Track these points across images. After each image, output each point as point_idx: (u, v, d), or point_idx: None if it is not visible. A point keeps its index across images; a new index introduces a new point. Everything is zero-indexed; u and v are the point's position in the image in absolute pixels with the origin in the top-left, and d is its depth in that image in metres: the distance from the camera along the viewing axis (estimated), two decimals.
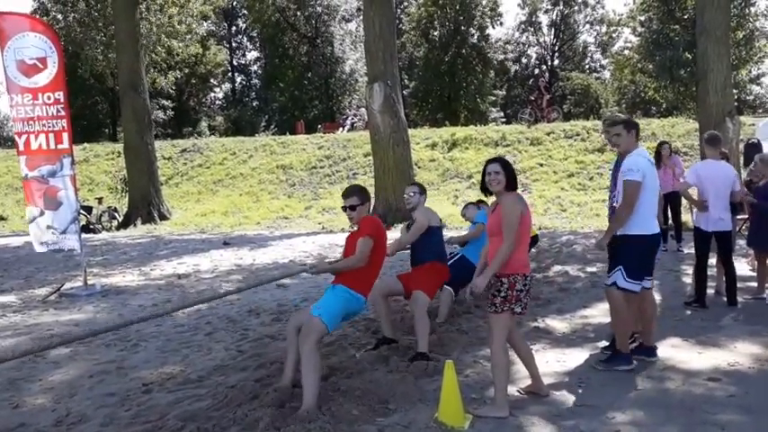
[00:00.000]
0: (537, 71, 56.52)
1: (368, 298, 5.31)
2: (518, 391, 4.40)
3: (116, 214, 20.19)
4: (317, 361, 4.19)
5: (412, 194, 5.90)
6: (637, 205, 4.78)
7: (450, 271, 6.07)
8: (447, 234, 7.53)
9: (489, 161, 4.26)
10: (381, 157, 16.89)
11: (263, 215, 19.55)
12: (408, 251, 5.89)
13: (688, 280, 7.94)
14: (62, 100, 9.04)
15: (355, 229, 4.93)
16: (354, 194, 4.89)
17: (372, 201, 4.99)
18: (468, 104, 46.49)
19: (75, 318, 7.22)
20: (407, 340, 5.61)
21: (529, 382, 4.44)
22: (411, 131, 19.96)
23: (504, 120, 44.88)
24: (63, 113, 9.05)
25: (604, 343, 5.44)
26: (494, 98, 50.99)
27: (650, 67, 28.08)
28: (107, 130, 45.11)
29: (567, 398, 4.31)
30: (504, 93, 54.83)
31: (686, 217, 12.45)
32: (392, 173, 16.67)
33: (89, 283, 9.05)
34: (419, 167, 20.93)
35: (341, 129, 31.37)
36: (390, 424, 3.91)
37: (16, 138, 9.23)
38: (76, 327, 6.91)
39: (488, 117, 45.13)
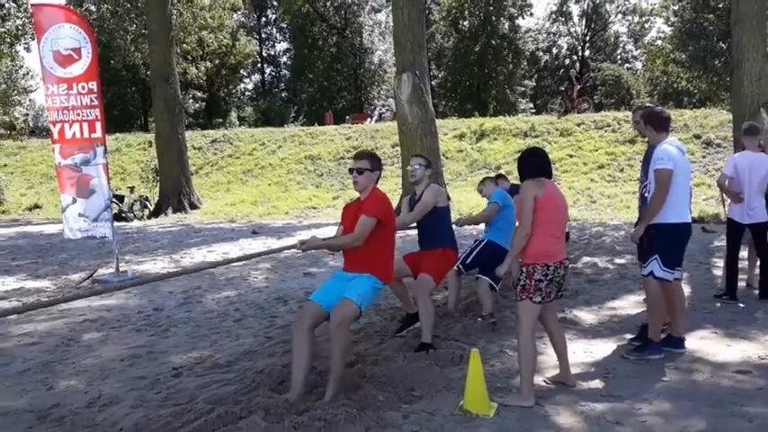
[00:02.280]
0: (567, 61, 55.89)
1: (392, 285, 5.34)
2: (544, 381, 4.39)
3: (147, 203, 20.48)
4: (347, 342, 4.17)
5: (417, 167, 5.62)
6: (669, 194, 4.74)
7: (482, 259, 6.00)
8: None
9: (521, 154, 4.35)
10: (409, 147, 16.84)
11: (291, 205, 19.68)
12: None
13: (719, 272, 7.82)
14: (95, 90, 9.18)
15: (359, 197, 4.60)
16: (365, 158, 4.55)
17: (379, 176, 4.56)
18: (498, 95, 46.20)
19: (106, 303, 7.37)
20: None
21: (555, 372, 4.43)
22: (439, 122, 19.89)
23: (533, 111, 44.51)
24: (96, 103, 9.20)
25: (631, 335, 5.40)
26: (523, 89, 50.58)
27: (683, 57, 27.54)
28: (139, 121, 45.74)
29: (594, 388, 4.29)
30: (534, 83, 54.34)
31: (719, 209, 12.26)
32: None
33: (121, 269, 9.21)
34: (447, 158, 20.87)
35: (369, 119, 31.39)
36: (416, 410, 3.94)
37: (51, 126, 9.42)
38: (108, 312, 7.05)
39: (518, 108, 44.79)
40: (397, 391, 4.21)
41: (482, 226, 6.86)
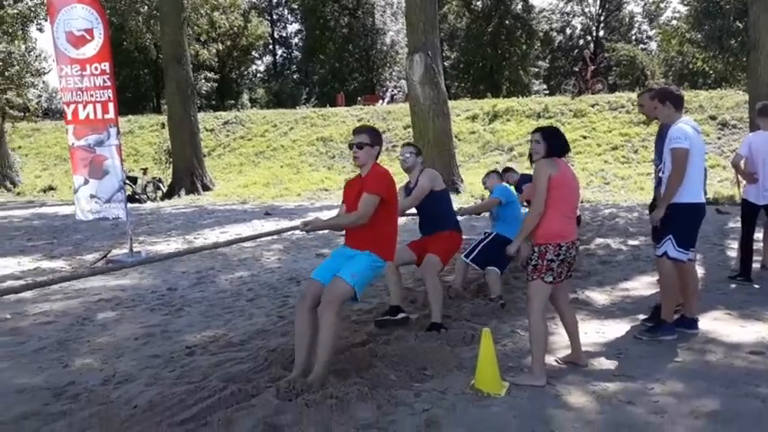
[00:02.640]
0: (582, 42, 55.25)
1: (387, 272, 5.27)
2: (556, 360, 4.39)
3: (160, 185, 20.56)
4: (336, 324, 4.04)
5: (408, 155, 5.61)
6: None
7: (490, 251, 5.97)
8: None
9: (533, 130, 4.26)
10: (421, 129, 16.80)
11: (303, 187, 19.70)
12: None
13: (733, 254, 7.77)
14: (108, 71, 9.19)
15: (359, 173, 4.50)
16: (365, 132, 4.43)
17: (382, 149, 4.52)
18: (511, 76, 45.80)
19: (121, 283, 7.43)
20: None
21: (567, 352, 4.43)
22: (451, 103, 19.80)
23: (547, 92, 44.18)
24: (109, 84, 9.21)
25: (644, 316, 5.38)
26: (537, 70, 50.13)
27: (699, 36, 27.16)
28: (151, 103, 45.78)
29: (606, 368, 4.29)
30: (548, 64, 53.84)
31: (734, 190, 12.14)
32: (432, 145, 16.57)
33: (135, 250, 9.28)
34: (459, 140, 20.78)
35: (381, 101, 31.26)
36: (427, 389, 3.95)
37: (65, 107, 9.46)
38: (123, 292, 7.12)
39: (531, 89, 44.43)
40: (409, 370, 4.23)
41: (485, 218, 6.87)
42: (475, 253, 6.07)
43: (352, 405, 3.69)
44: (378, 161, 4.49)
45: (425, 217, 5.61)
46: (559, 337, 4.74)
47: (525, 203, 7.25)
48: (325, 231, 7.87)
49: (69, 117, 9.37)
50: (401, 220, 5.73)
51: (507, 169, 7.89)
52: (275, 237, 10.82)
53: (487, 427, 3.45)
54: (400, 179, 5.65)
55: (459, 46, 47.84)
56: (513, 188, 7.07)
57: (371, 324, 5.38)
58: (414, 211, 5.68)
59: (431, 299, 5.14)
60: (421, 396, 3.86)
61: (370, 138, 4.39)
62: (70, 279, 5.61)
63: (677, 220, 4.75)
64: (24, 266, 8.88)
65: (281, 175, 21.39)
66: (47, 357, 5.01)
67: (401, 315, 5.36)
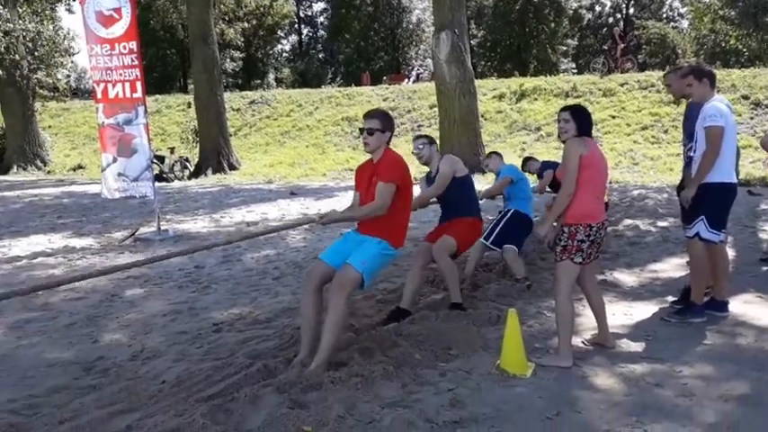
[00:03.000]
0: (611, 20, 54.26)
1: (413, 266, 5.21)
2: (583, 342, 4.36)
3: (188, 164, 20.72)
4: (344, 315, 3.96)
5: (421, 147, 5.44)
6: None
7: (509, 230, 5.92)
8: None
9: (561, 109, 4.19)
10: (447, 108, 16.67)
11: (328, 166, 19.71)
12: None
13: (764, 236, 7.63)
14: (135, 50, 9.23)
15: (371, 158, 4.39)
16: (376, 117, 4.28)
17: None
18: (539, 54, 45.21)
19: None
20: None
21: (594, 333, 4.39)
22: (478, 82, 19.58)
23: (575, 70, 43.52)
24: (136, 63, 9.26)
25: (673, 298, 5.31)
26: (565, 48, 49.39)
27: (732, 14, 26.50)
28: (178, 82, 46.06)
29: (633, 350, 4.25)
30: (577, 42, 53.02)
31: (766, 171, 11.91)
32: (458, 125, 16.45)
33: (162, 228, 9.39)
34: (485, 119, 20.60)
35: (406, 80, 31.11)
36: (452, 369, 3.95)
37: (95, 86, 9.54)
38: (150, 269, 7.19)
39: (559, 68, 43.81)
40: (434, 350, 4.23)
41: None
42: (495, 234, 5.96)
43: (376, 383, 3.71)
44: (391, 145, 4.41)
45: (448, 204, 5.42)
46: (586, 319, 4.69)
47: (548, 189, 7.19)
48: None
49: (99, 96, 9.45)
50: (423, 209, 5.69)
51: (528, 159, 7.81)
52: (300, 216, 10.86)
53: (513, 408, 3.44)
54: (417, 167, 5.57)
55: (487, 24, 47.30)
56: (533, 176, 7.07)
57: (394, 304, 5.37)
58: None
59: (446, 279, 5.06)
60: (446, 375, 3.85)
61: (381, 123, 4.26)
62: (111, 272, 5.65)
63: (709, 201, 4.65)
64: (55, 244, 9.02)
65: (306, 155, 21.42)
66: (77, 333, 5.10)
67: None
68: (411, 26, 49.30)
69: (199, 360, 4.36)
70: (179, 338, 4.87)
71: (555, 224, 4.14)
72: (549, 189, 7.24)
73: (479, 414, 3.36)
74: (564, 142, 4.12)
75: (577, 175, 3.95)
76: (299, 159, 21.06)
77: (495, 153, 6.98)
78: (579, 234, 3.96)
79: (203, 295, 6.12)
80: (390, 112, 23.23)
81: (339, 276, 4.01)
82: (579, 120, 4.05)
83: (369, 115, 4.33)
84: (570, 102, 20.29)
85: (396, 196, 4.15)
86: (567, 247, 3.98)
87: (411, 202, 4.44)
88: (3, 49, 23.18)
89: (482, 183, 11.70)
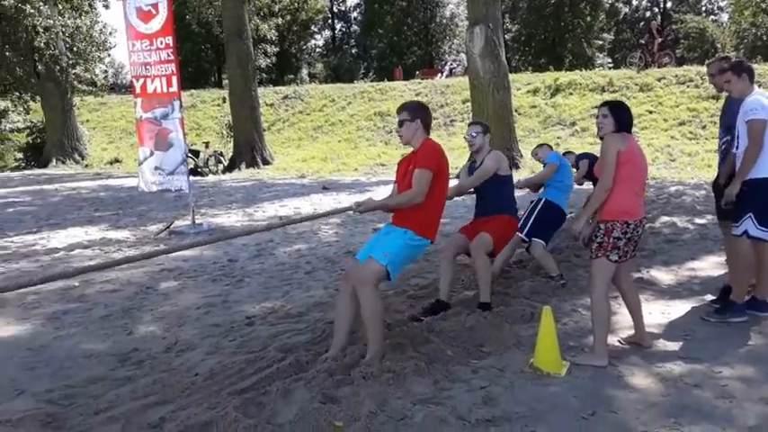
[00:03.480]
0: (648, 13, 53.29)
1: (440, 257, 5.16)
2: (618, 341, 4.28)
3: (222, 158, 20.91)
4: (379, 305, 3.95)
5: (474, 135, 5.30)
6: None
7: (541, 221, 5.81)
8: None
9: (600, 104, 4.12)
10: (480, 102, 16.52)
11: (360, 162, 19.72)
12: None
13: None
14: (171, 44, 9.34)
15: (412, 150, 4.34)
16: (405, 109, 4.30)
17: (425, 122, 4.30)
18: (574, 49, 44.58)
19: (183, 254, 7.58)
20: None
21: (630, 332, 4.31)
22: (512, 76, 19.38)
23: (611, 65, 42.86)
24: (172, 58, 9.36)
25: (711, 297, 5.18)
26: (601, 42, 48.66)
27: None
28: (213, 77, 46.53)
29: (671, 350, 4.15)
30: (613, 36, 52.19)
31: None
32: (491, 119, 16.27)
33: (197, 222, 9.49)
34: (519, 114, 20.40)
35: (439, 75, 30.95)
36: (485, 366, 3.91)
37: (134, 81, 9.69)
38: (185, 262, 7.28)
39: (595, 62, 43.20)
40: (466, 347, 4.19)
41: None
42: (528, 225, 5.84)
43: (408, 379, 3.69)
44: (429, 135, 4.36)
45: (485, 199, 5.33)
46: (622, 317, 4.61)
47: (584, 179, 7.07)
48: None
49: (138, 90, 9.58)
50: (456, 199, 5.63)
51: (566, 153, 7.70)
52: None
53: (547, 407, 3.39)
54: (458, 155, 5.51)
55: (521, 18, 46.85)
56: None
57: (428, 299, 5.34)
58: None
59: (479, 278, 4.96)
60: (478, 373, 3.81)
61: (409, 113, 4.26)
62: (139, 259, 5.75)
63: (755, 197, 4.50)
64: (91, 236, 9.18)
65: (338, 150, 21.46)
66: (112, 324, 5.17)
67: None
68: (444, 20, 49.07)
69: (231, 353, 4.38)
70: (212, 331, 4.91)
71: (590, 220, 4.06)
72: (581, 182, 7.14)
73: (512, 413, 3.32)
74: (602, 138, 4.05)
75: (615, 172, 3.87)
76: (332, 154, 21.10)
77: (545, 144, 6.90)
78: (616, 231, 3.88)
79: (236, 288, 6.16)
80: None
81: (360, 271, 3.98)
82: (618, 115, 3.98)
83: (398, 109, 4.38)
84: (606, 97, 19.99)
85: (432, 184, 4.09)
86: (603, 244, 3.91)
87: (446, 192, 4.36)
88: (43, 44, 23.67)
89: (515, 177, 11.56)
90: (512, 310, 4.84)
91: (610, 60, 48.70)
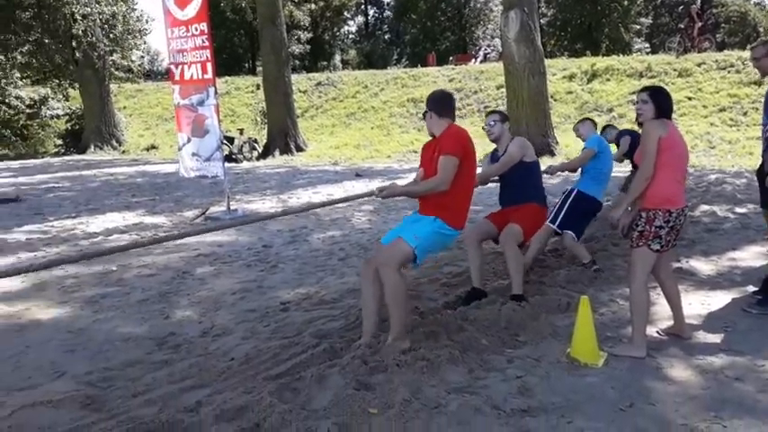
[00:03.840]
0: None
1: (465, 242, 5.10)
2: (657, 332, 4.20)
3: (256, 145, 21.07)
4: (403, 285, 3.84)
5: (492, 123, 5.19)
6: None
7: (574, 214, 5.66)
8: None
9: (640, 90, 4.02)
10: (515, 88, 16.35)
11: (393, 148, 19.69)
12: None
13: None
14: (206, 31, 9.39)
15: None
16: (427, 101, 4.28)
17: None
18: (611, 34, 43.70)
19: (218, 239, 7.67)
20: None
21: (669, 323, 4.23)
22: (547, 62, 19.12)
23: (649, 50, 41.99)
24: (207, 44, 9.41)
25: (753, 288, 5.05)
26: (638, 27, 47.63)
27: None
28: (247, 64, 46.79)
29: (711, 342, 4.06)
30: (651, 21, 51.01)
31: None
32: (526, 105, 16.12)
33: (232, 208, 9.57)
34: (555, 100, 20.14)
35: (473, 60, 30.66)
36: (520, 356, 3.87)
37: (173, 68, 9.79)
38: (220, 248, 7.35)
39: (632, 47, 42.33)
40: (501, 336, 4.15)
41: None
42: (561, 217, 5.69)
43: (442, 367, 3.67)
44: (453, 120, 4.29)
45: (511, 188, 5.20)
46: (661, 308, 4.52)
47: (624, 157, 6.94)
48: None
49: (177, 77, 9.67)
50: (490, 186, 5.55)
51: (607, 126, 7.55)
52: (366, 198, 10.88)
53: (583, 398, 3.34)
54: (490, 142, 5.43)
55: (557, 2, 46.03)
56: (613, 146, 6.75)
57: (461, 287, 5.31)
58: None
59: (511, 270, 4.85)
60: (513, 362, 3.78)
61: (430, 105, 4.23)
62: (175, 238, 5.80)
63: None
64: (129, 221, 9.33)
65: (371, 137, 21.45)
66: (149, 308, 5.25)
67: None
68: (479, 5, 48.54)
69: (266, 338, 4.41)
70: (247, 316, 4.95)
71: (629, 208, 3.98)
72: (622, 161, 7.00)
73: (548, 403, 3.28)
74: (641, 124, 3.95)
75: (656, 159, 3.78)
76: (364, 141, 21.11)
77: (588, 119, 6.60)
78: (658, 219, 3.80)
79: (271, 274, 6.20)
80: (456, 92, 23.05)
81: (386, 249, 3.94)
82: (658, 101, 3.87)
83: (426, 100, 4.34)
84: (644, 83, 19.60)
85: (458, 171, 3.99)
86: (644, 233, 3.82)
87: (474, 179, 4.25)
88: (81, 32, 24.04)
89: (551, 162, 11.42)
90: (547, 300, 4.79)
91: (648, 45, 47.70)
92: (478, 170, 5.10)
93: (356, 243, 7.49)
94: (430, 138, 4.33)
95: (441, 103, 4.24)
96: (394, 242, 3.95)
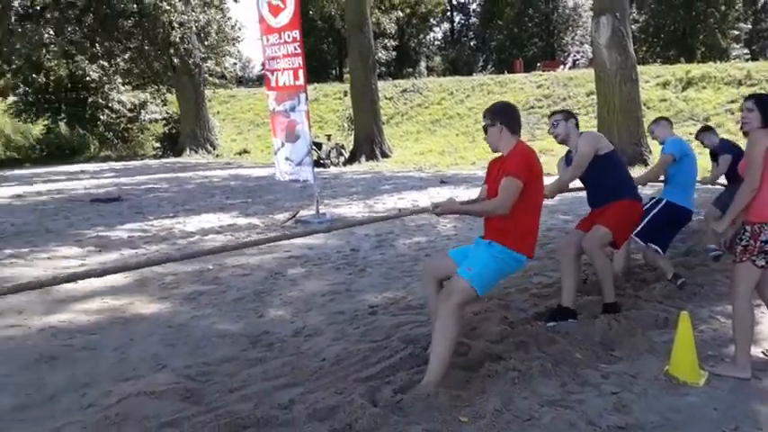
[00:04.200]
0: None
1: (557, 255, 4.86)
2: (763, 352, 3.99)
3: (343, 151, 21.38)
4: (454, 330, 3.57)
5: (555, 124, 4.80)
6: None
7: (658, 222, 5.27)
8: None
9: (745, 97, 3.85)
10: (606, 95, 15.92)
11: (478, 155, 19.52)
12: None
13: None
14: (298, 38, 9.61)
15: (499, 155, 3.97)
16: (485, 114, 3.94)
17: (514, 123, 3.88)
18: (706, 40, 41.99)
19: (309, 242, 7.84)
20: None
21: None
22: (640, 68, 18.52)
23: (748, 57, 40.02)
24: (299, 51, 9.63)
25: None
26: (737, 32, 45.50)
27: None
28: (334, 71, 47.63)
29: None
30: (750, 26, 48.62)
31: None
32: (618, 113, 15.66)
33: (321, 212, 9.76)
34: (648, 108, 19.49)
35: (561, 66, 30.12)
36: (616, 372, 3.75)
37: (268, 75, 10.09)
38: (310, 250, 7.51)
39: (730, 54, 40.47)
40: (595, 350, 4.05)
41: None
42: (642, 226, 5.25)
43: (534, 379, 3.61)
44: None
45: (593, 188, 4.85)
46: (766, 327, 4.30)
47: (724, 177, 6.52)
48: None
49: (272, 84, 9.96)
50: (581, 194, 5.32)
51: (705, 128, 6.96)
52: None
53: (683, 418, 3.22)
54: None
55: (650, 8, 44.60)
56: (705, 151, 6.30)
57: (552, 299, 5.21)
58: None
59: (599, 277, 4.62)
60: (609, 378, 3.68)
61: (489, 118, 3.90)
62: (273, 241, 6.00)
63: None
64: (223, 222, 9.68)
65: (456, 144, 21.39)
66: (244, 307, 5.43)
67: (569, 321, 4.49)
68: (567, 11, 47.63)
69: (356, 341, 4.48)
70: (337, 318, 5.04)
71: (734, 221, 3.81)
72: (722, 181, 6.55)
73: (646, 422, 3.18)
74: (746, 134, 3.78)
75: (763, 170, 3.61)
76: (449, 148, 21.06)
77: (663, 118, 6.16)
78: (764, 234, 3.62)
79: (359, 278, 6.29)
80: (544, 99, 22.71)
81: (446, 289, 3.72)
82: (765, 109, 3.69)
83: (483, 114, 4.04)
84: (744, 91, 18.71)
85: (522, 194, 3.70)
86: (749, 248, 3.65)
87: (541, 201, 3.96)
88: (178, 39, 25.09)
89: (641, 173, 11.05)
90: (644, 314, 4.63)
91: (747, 51, 45.48)
92: (553, 179, 4.97)
93: (442, 249, 7.47)
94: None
95: (512, 118, 3.93)
96: (453, 281, 3.70)
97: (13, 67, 26.81)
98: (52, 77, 28.14)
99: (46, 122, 27.96)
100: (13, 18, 23.64)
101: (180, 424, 3.27)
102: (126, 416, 3.38)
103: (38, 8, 23.99)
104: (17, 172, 20.97)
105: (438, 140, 22.26)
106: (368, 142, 20.95)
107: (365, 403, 3.31)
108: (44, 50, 24.97)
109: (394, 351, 4.13)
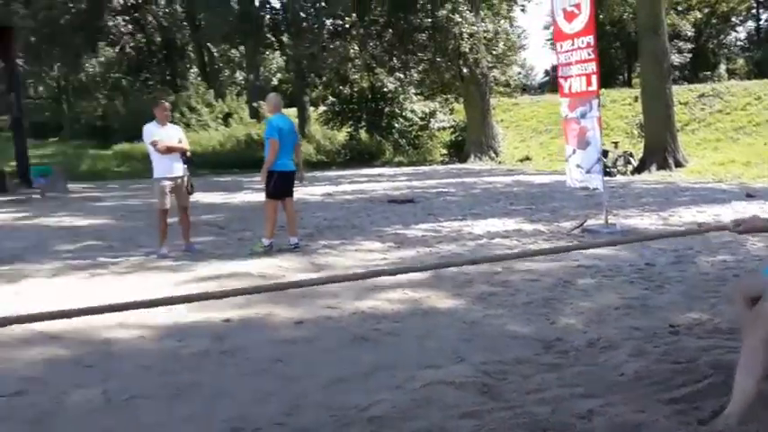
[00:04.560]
0: None
1: None
2: None
3: (631, 159, 20.43)
4: (759, 367, 3.05)
5: None
6: None
7: None
8: None
9: None
10: None
11: None
12: None
13: None
14: (592, 43, 9.39)
15: None
16: None
17: None
18: None
19: (598, 252, 7.58)
20: None
21: None
22: None
23: None
24: (593, 57, 9.40)
25: None
26: None
27: None
28: (622, 76, 45.59)
29: None
30: None
31: None
32: None
33: (609, 222, 9.42)
34: None
35: None
36: None
37: (561, 82, 10.05)
38: (600, 261, 7.27)
39: None
40: None
41: None
42: None
43: None
44: None
45: None
46: None
47: None
48: None
49: (566, 91, 9.91)
50: None
51: None
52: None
53: None
54: None
55: None
56: None
57: None
58: None
59: None
60: None
61: None
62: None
63: None
64: (508, 227, 9.86)
65: (764, 154, 19.10)
66: (534, 312, 5.44)
67: None
68: None
69: (656, 360, 4.22)
70: (633, 334, 4.80)
71: None
72: None
73: None
74: None
75: None
76: (756, 158, 18.87)
77: None
78: None
79: (656, 294, 5.93)
80: None
81: (756, 308, 3.17)
82: None
83: None
84: None
85: None
86: None
87: None
88: (467, 49, 26.06)
89: None
90: None
91: None
92: None
93: (752, 270, 6.72)
94: None
95: None
96: (766, 305, 3.15)
97: (324, 79, 30.28)
98: (356, 89, 31.16)
99: (349, 130, 31.31)
100: (325, 36, 26.67)
101: (481, 416, 3.39)
102: (430, 401, 3.61)
103: (346, 26, 26.75)
104: (326, 173, 23.65)
105: (742, 150, 20.07)
106: (660, 150, 19.68)
107: (672, 426, 3.13)
108: (350, 64, 27.73)
109: (702, 376, 3.81)
